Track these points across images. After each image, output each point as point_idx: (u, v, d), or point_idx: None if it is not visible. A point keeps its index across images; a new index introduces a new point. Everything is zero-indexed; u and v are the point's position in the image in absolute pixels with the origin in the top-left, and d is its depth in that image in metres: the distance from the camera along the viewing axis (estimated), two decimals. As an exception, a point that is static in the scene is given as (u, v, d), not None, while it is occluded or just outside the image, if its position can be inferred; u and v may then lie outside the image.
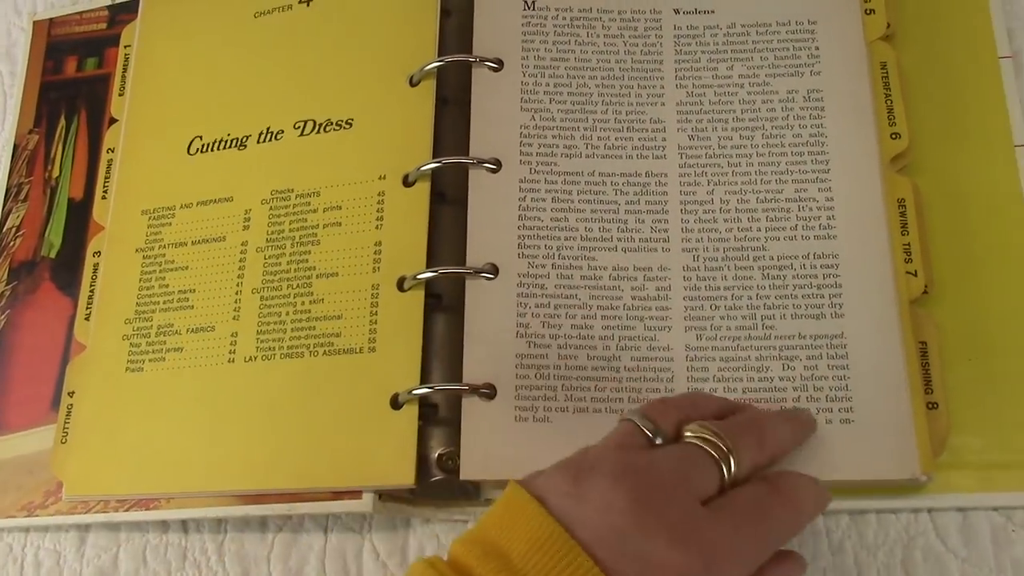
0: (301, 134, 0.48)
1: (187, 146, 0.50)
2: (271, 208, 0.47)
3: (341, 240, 0.45)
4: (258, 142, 0.49)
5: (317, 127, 0.48)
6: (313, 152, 0.48)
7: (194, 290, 0.47)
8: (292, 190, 0.47)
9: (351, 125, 0.47)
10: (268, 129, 0.49)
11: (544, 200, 0.44)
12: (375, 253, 0.45)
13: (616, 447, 0.33)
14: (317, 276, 0.45)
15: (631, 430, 0.34)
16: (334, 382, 0.43)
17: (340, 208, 0.46)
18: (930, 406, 0.40)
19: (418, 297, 0.43)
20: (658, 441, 0.34)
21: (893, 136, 0.44)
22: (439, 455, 0.42)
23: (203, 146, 0.50)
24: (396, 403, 0.42)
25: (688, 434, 0.34)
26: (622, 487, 0.31)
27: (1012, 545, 0.39)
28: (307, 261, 0.46)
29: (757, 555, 0.32)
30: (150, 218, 0.49)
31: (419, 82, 0.47)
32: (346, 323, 0.44)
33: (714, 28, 0.47)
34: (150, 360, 0.46)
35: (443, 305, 0.44)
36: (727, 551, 0.31)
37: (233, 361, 0.45)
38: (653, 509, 0.31)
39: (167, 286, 0.48)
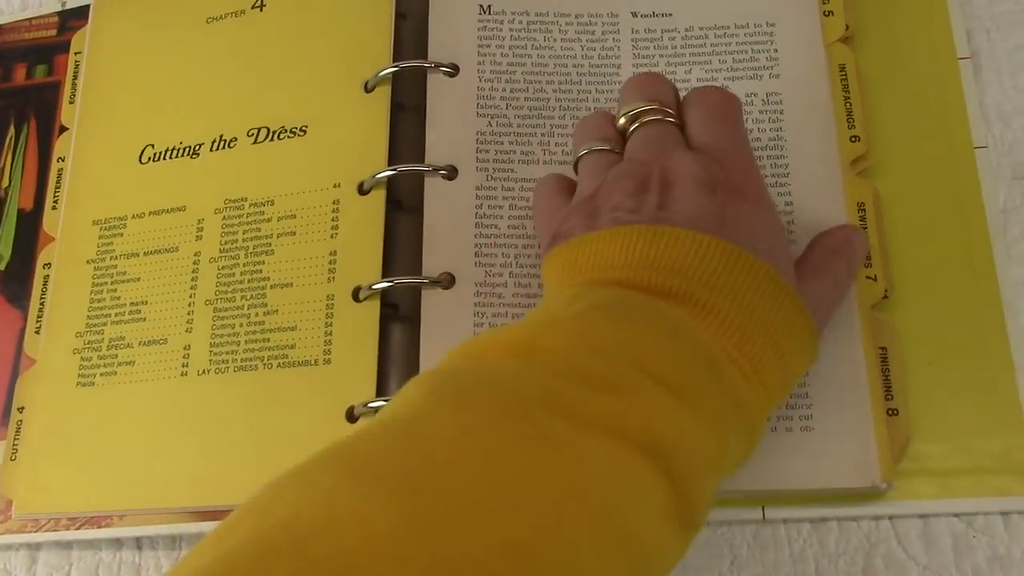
0: (255, 142, 0.47)
1: (139, 155, 0.49)
2: (224, 217, 0.46)
3: (295, 249, 0.45)
4: (211, 150, 0.48)
5: (271, 134, 0.47)
6: (267, 160, 0.47)
7: (147, 302, 0.46)
8: (246, 199, 0.46)
9: (305, 132, 0.47)
10: (221, 137, 0.48)
11: (501, 207, 0.44)
12: (330, 263, 0.44)
13: (614, 179, 0.36)
14: (271, 287, 0.44)
15: (596, 159, 0.38)
16: (289, 395, 0.42)
17: (294, 217, 0.45)
18: (890, 412, 0.40)
19: (374, 308, 0.43)
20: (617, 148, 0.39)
21: (853, 139, 0.44)
22: (397, 468, 0.41)
23: (155, 155, 0.49)
24: (352, 416, 0.41)
25: (632, 126, 0.38)
26: (652, 187, 0.35)
27: (973, 551, 0.39)
28: (261, 271, 0.45)
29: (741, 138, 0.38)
30: (101, 228, 0.48)
31: (374, 88, 0.46)
32: (300, 334, 0.43)
33: (672, 31, 0.46)
34: (101, 374, 0.45)
35: (400, 315, 0.43)
36: (737, 150, 0.37)
37: (186, 375, 0.44)
38: (665, 175, 0.35)
39: (119, 298, 0.47)
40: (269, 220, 0.45)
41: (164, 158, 0.48)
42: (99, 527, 0.44)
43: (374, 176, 0.44)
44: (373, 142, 0.45)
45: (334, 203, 0.45)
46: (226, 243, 0.46)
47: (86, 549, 0.45)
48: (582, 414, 0.28)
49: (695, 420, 0.30)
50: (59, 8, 0.55)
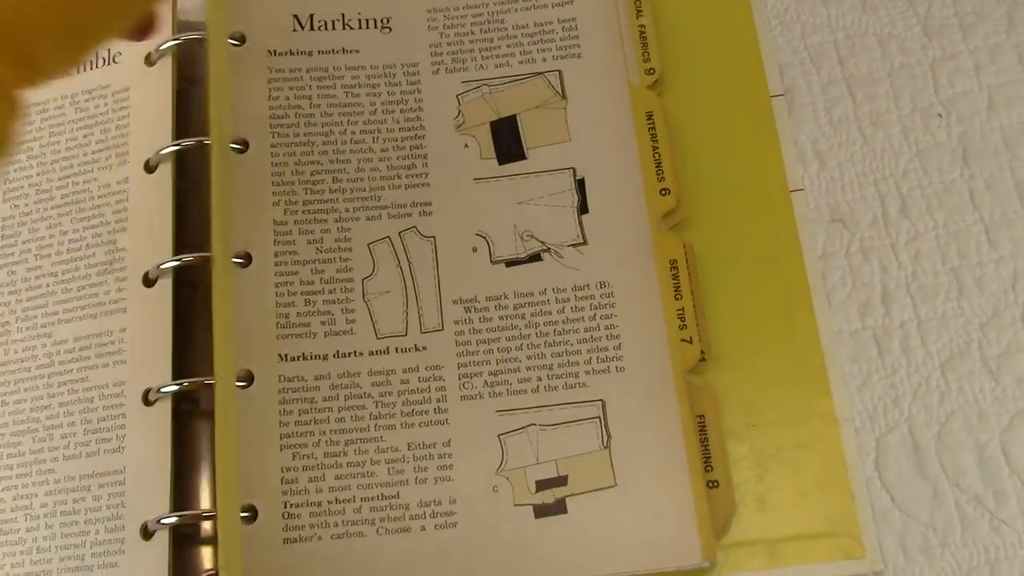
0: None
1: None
2: None
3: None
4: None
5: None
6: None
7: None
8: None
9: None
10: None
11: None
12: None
13: None
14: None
15: None
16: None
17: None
18: (711, 485, 0.38)
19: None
20: None
21: (663, 192, 0.42)
22: (203, 578, 0.39)
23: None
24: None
25: None
26: None
27: (803, 623, 0.38)
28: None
29: None
30: None
31: (156, 167, 0.43)
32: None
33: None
34: None
35: (200, 412, 0.40)
36: None
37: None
38: None
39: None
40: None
41: None
42: None
43: (159, 266, 0.41)
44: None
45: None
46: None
47: None
48: None
49: None
50: None
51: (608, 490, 0.38)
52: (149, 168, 0.43)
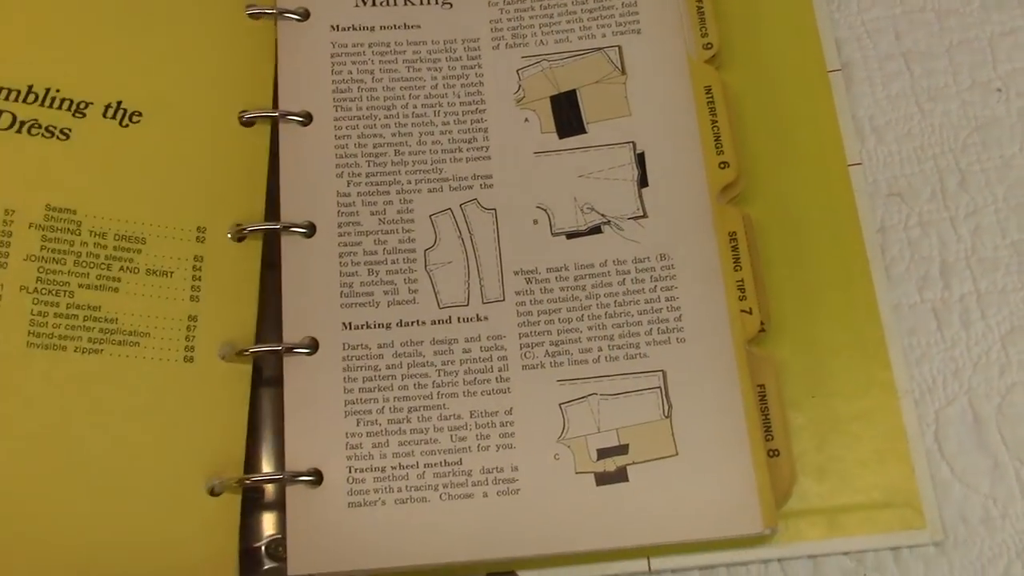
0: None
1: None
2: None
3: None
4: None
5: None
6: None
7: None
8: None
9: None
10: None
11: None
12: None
13: None
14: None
15: None
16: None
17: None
18: (771, 454, 0.39)
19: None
20: None
21: (722, 166, 0.42)
22: (266, 544, 0.39)
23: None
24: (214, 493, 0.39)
25: None
26: None
27: (863, 592, 0.38)
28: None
29: None
30: None
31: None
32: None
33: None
34: None
35: (263, 379, 0.41)
36: None
37: None
38: None
39: None
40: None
41: None
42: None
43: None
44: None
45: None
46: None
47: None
48: None
49: None
50: None
51: (669, 459, 0.38)
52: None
